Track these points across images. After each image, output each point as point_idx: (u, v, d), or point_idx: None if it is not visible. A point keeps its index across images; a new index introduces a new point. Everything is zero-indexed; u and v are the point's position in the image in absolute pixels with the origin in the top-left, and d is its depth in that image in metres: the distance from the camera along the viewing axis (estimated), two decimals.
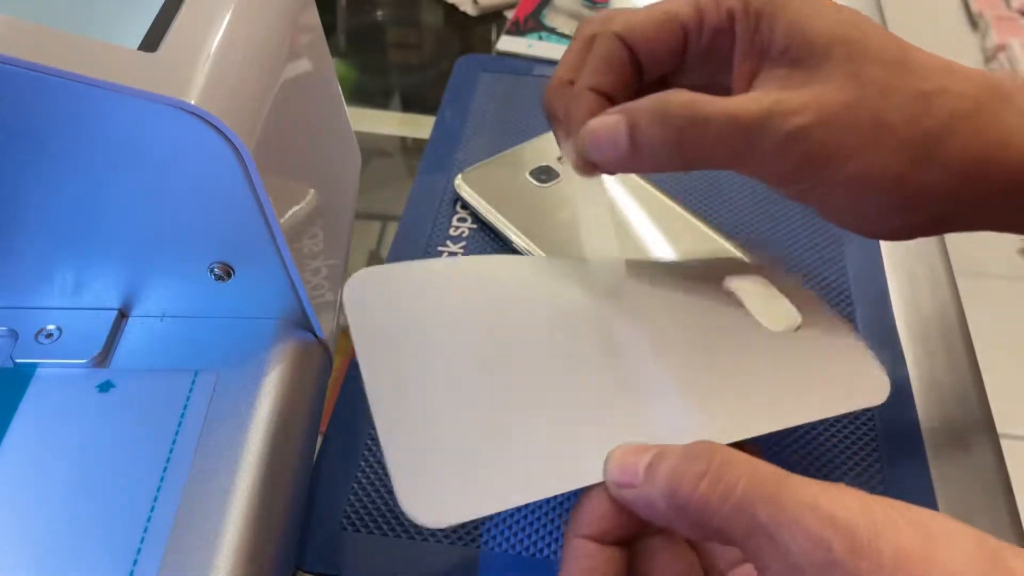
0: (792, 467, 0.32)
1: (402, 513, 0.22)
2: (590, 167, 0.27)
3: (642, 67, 0.28)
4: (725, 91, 0.26)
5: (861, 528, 0.19)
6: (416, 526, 0.30)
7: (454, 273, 0.29)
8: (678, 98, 0.25)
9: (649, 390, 0.26)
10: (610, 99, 0.27)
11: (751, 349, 0.28)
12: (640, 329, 0.28)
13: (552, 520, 0.30)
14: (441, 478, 0.23)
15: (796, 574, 0.19)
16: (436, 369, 0.25)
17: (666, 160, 0.26)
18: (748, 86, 0.26)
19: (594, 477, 0.23)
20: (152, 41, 0.25)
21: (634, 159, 0.26)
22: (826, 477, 0.32)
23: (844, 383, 0.28)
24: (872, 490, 0.31)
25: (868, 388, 0.28)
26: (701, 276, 0.31)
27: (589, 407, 0.25)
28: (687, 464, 0.21)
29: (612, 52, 0.27)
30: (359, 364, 0.25)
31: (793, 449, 0.32)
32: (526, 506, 0.31)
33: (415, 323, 0.27)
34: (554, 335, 0.27)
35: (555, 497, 0.31)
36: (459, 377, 0.25)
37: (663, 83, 0.28)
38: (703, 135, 0.25)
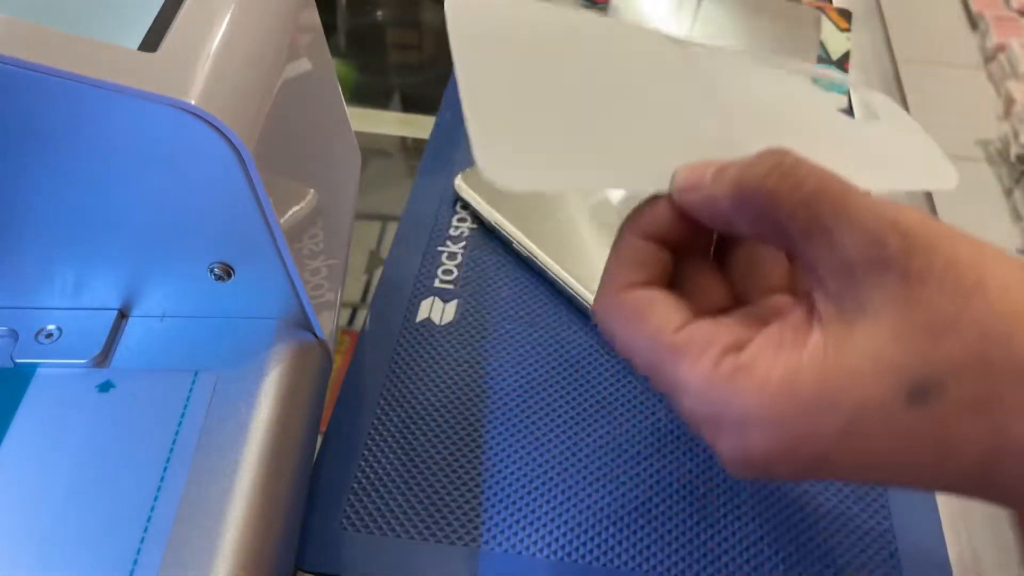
0: None
1: (479, 172, 0.22)
2: None
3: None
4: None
5: (920, 233, 0.19)
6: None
7: (562, 10, 0.29)
8: None
9: (734, 125, 0.26)
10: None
11: (832, 122, 0.29)
12: (733, 85, 0.28)
13: (552, 520, 0.30)
14: (521, 142, 0.23)
15: (846, 272, 0.20)
16: (530, 61, 0.25)
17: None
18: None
19: (663, 185, 0.24)
20: (152, 41, 0.25)
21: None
22: (825, 482, 0.32)
23: (917, 163, 0.29)
24: (872, 493, 0.32)
25: (939, 173, 0.28)
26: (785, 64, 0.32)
27: (675, 127, 0.26)
28: (757, 163, 0.21)
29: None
30: (452, 51, 0.24)
31: None
32: (527, 505, 0.31)
33: (515, 29, 0.26)
34: (651, 68, 0.27)
35: (555, 497, 0.31)
36: (553, 71, 0.25)
37: None
38: None
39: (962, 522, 0.31)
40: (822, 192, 0.20)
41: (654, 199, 0.24)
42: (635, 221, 0.24)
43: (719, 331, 0.22)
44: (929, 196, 0.44)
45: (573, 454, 0.32)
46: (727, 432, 0.21)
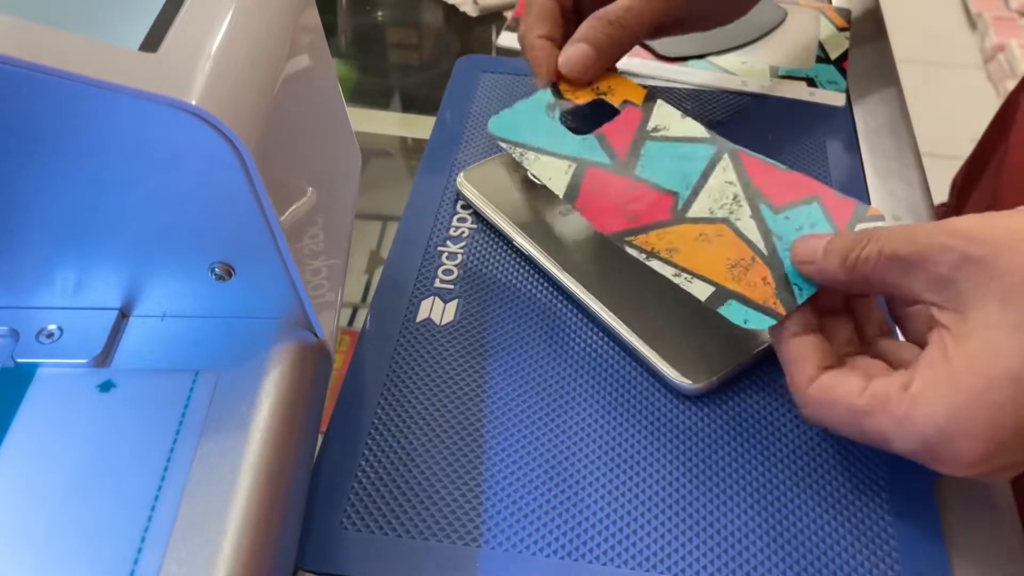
0: (792, 471, 0.32)
1: None
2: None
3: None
4: None
5: (976, 228, 0.27)
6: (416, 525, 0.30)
7: None
8: (604, 13, 0.39)
9: None
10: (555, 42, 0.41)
11: None
12: None
13: (552, 520, 0.30)
14: None
15: (939, 281, 0.27)
16: None
17: (617, 49, 0.40)
18: None
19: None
20: (153, 41, 0.25)
21: (601, 60, 0.39)
22: (825, 481, 0.32)
23: None
24: (872, 493, 0.32)
25: None
26: None
27: None
28: (853, 237, 0.30)
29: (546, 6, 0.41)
30: None
31: (798, 455, 0.32)
32: (527, 505, 0.31)
33: None
34: None
35: (555, 497, 0.31)
36: None
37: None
38: (632, 20, 0.39)
39: (963, 525, 0.31)
40: (895, 241, 0.28)
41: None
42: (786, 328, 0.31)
43: (887, 382, 0.28)
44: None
45: (573, 453, 0.32)
46: (942, 450, 0.26)
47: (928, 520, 0.31)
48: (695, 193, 0.36)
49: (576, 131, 0.38)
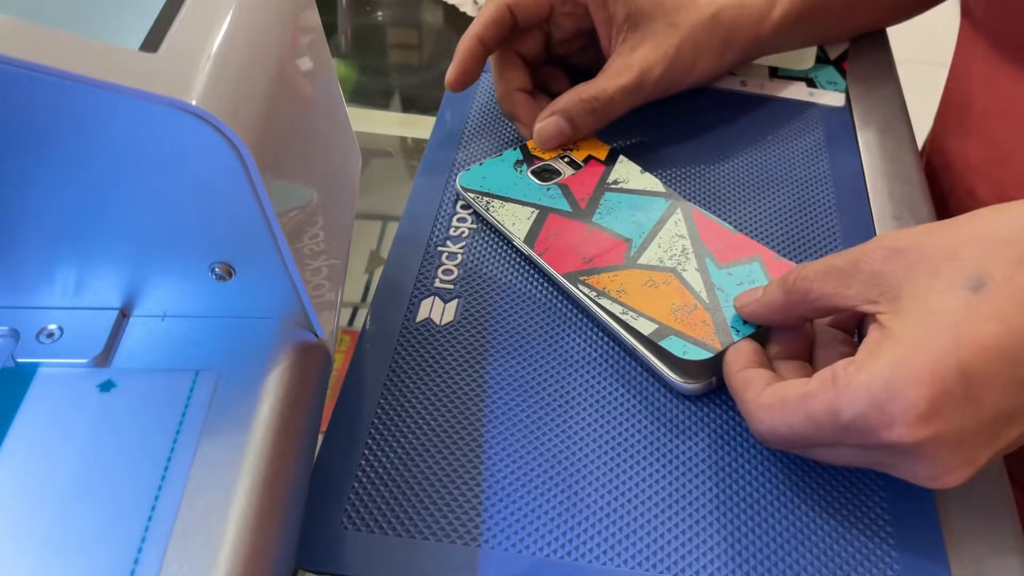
0: (791, 471, 0.32)
1: None
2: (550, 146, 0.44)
3: (518, 21, 0.44)
4: (584, 35, 0.45)
5: (902, 232, 0.29)
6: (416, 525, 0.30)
7: None
8: (587, 92, 0.42)
9: None
10: (486, 47, 0.43)
11: None
12: None
13: (552, 519, 0.30)
14: None
15: (872, 278, 0.29)
16: None
17: (593, 127, 0.43)
18: (609, 44, 0.44)
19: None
20: (153, 42, 0.25)
21: (575, 135, 0.43)
22: (824, 480, 0.32)
23: None
24: (871, 492, 0.32)
25: None
26: None
27: None
28: (786, 273, 0.32)
29: (500, 14, 0.43)
30: None
31: (797, 455, 0.33)
32: (527, 505, 0.31)
33: None
34: None
35: (555, 496, 0.31)
36: None
37: (540, 29, 0.46)
38: (611, 106, 0.43)
39: (963, 525, 0.31)
40: (824, 265, 0.31)
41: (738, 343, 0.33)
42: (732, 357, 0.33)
43: (832, 366, 0.29)
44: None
45: (573, 453, 0.32)
46: (891, 404, 0.26)
47: (928, 520, 0.31)
48: (647, 242, 0.39)
49: (541, 178, 0.42)
